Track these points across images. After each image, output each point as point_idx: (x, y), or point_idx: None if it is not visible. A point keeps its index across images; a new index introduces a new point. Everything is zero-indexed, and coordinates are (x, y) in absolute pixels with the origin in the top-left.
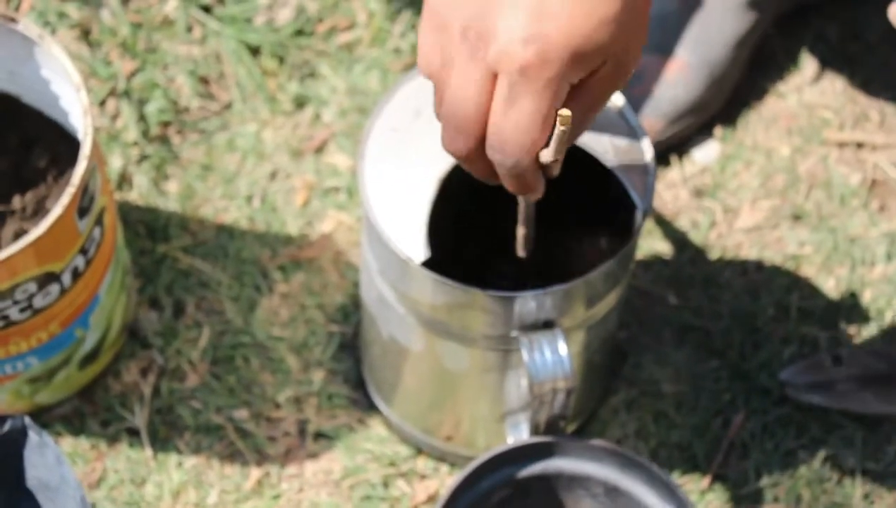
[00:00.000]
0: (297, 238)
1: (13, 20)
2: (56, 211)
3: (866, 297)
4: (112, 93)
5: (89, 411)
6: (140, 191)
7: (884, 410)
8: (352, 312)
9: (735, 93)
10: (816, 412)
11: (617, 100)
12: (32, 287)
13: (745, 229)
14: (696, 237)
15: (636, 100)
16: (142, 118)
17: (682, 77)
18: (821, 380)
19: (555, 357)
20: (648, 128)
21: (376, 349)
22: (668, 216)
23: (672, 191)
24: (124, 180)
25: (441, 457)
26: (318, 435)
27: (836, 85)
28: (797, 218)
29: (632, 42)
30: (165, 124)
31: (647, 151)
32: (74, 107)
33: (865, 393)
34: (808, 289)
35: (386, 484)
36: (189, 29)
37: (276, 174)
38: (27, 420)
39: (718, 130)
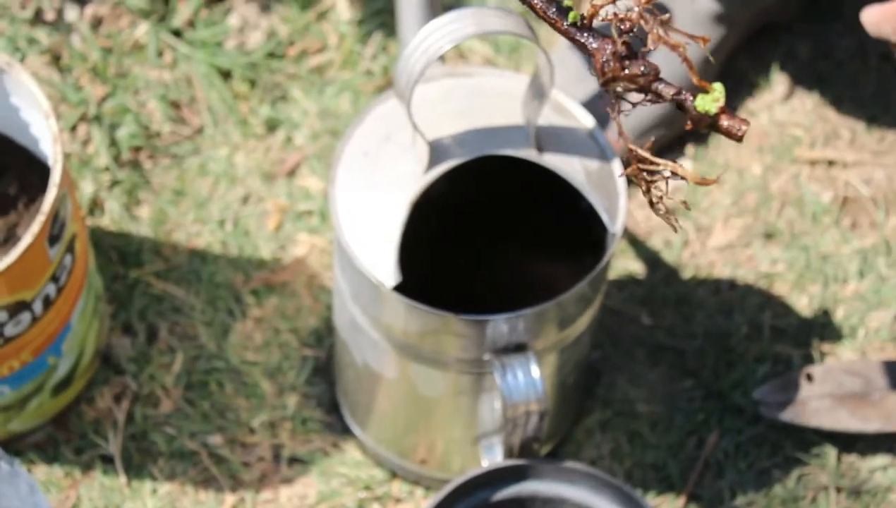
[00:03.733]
0: (270, 262)
1: None
2: (26, 239)
3: (839, 315)
4: (83, 118)
5: (63, 438)
6: (112, 217)
7: (857, 428)
8: (325, 336)
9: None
10: (790, 430)
11: (587, 121)
12: (3, 315)
13: (717, 248)
14: (668, 256)
15: (603, 116)
16: (113, 143)
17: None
18: (794, 399)
19: (527, 379)
20: (616, 144)
21: (350, 373)
22: (640, 235)
23: (644, 210)
24: (96, 206)
25: (416, 481)
26: (293, 460)
27: (806, 103)
28: (769, 236)
29: None
30: (137, 149)
31: (618, 172)
32: (44, 134)
33: (839, 410)
34: (780, 308)
35: None
36: (160, 53)
37: (248, 198)
38: None
39: (690, 149)
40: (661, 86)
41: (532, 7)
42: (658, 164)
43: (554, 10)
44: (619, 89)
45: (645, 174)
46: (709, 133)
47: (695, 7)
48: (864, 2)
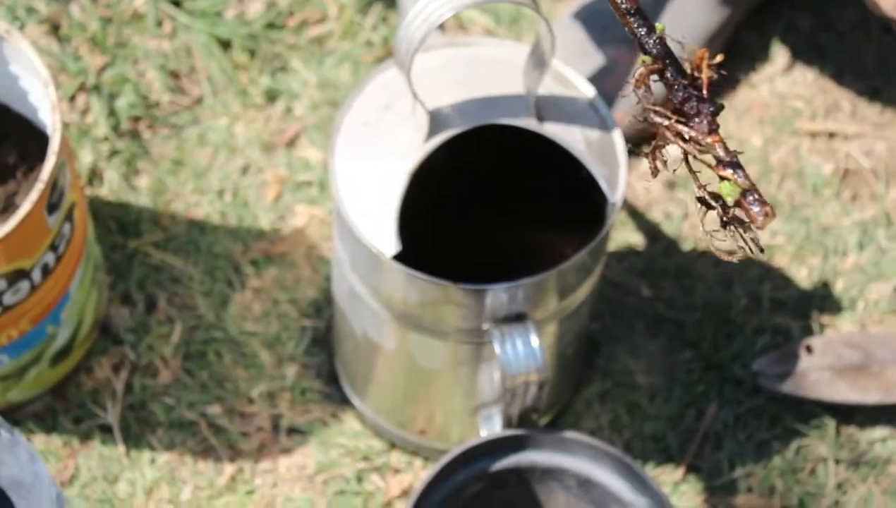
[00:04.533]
0: (269, 232)
1: None
2: (25, 207)
3: (839, 287)
4: (82, 88)
5: (61, 408)
6: (111, 187)
7: (856, 399)
8: (324, 306)
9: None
10: (789, 402)
11: (588, 91)
12: (2, 284)
13: (718, 220)
14: (668, 228)
15: (608, 94)
16: (112, 113)
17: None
18: (793, 370)
19: (527, 349)
20: (620, 122)
21: (349, 343)
22: (640, 207)
23: (644, 182)
24: (95, 175)
25: (415, 451)
26: (292, 430)
27: (807, 75)
28: None
29: None
30: (136, 119)
31: (619, 143)
32: (43, 102)
33: (838, 382)
34: (780, 280)
35: (360, 479)
36: (159, 23)
37: (247, 168)
38: None
39: None
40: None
41: (631, 29)
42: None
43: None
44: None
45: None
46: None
47: None
48: None
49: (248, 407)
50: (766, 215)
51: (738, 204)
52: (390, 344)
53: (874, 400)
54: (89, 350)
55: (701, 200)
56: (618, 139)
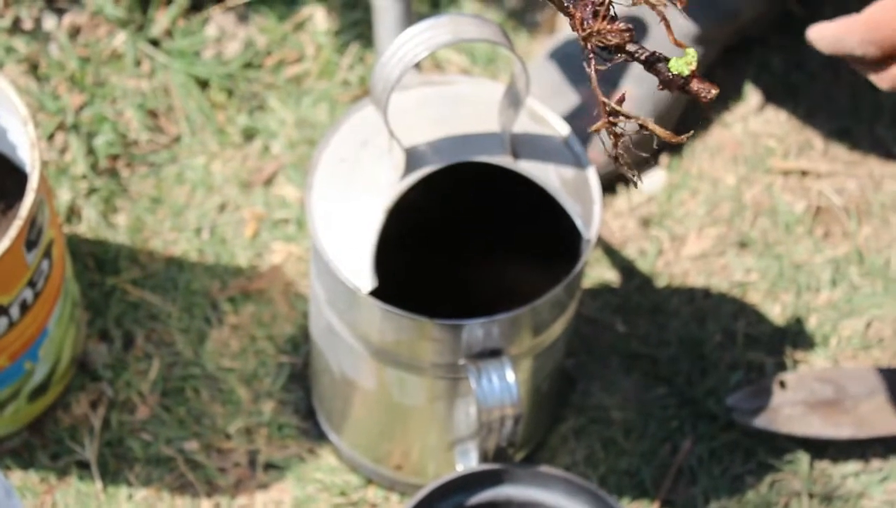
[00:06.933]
0: (247, 269)
1: None
2: (3, 244)
3: (811, 323)
4: (60, 126)
5: (39, 444)
6: (89, 224)
7: (829, 434)
8: (301, 343)
9: (680, 122)
10: (763, 437)
11: (562, 129)
12: None
13: (691, 257)
14: (643, 265)
15: (582, 133)
16: (90, 151)
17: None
18: (767, 406)
19: (502, 384)
20: (594, 160)
21: (325, 379)
22: (615, 245)
23: (619, 220)
24: (73, 213)
25: (391, 486)
26: (269, 466)
27: (780, 114)
28: (743, 245)
29: None
30: (114, 157)
31: (593, 181)
32: (22, 140)
33: (811, 417)
34: (754, 316)
35: None
36: (137, 62)
37: (225, 206)
38: None
39: (664, 159)
40: (635, 46)
41: None
42: (629, 117)
43: None
44: (596, 44)
45: (614, 128)
46: (682, 143)
47: (674, 28)
48: (838, 14)
49: (226, 443)
50: (715, 88)
51: (692, 76)
52: (367, 379)
53: (847, 435)
54: (67, 386)
55: (649, 64)
56: (592, 177)
